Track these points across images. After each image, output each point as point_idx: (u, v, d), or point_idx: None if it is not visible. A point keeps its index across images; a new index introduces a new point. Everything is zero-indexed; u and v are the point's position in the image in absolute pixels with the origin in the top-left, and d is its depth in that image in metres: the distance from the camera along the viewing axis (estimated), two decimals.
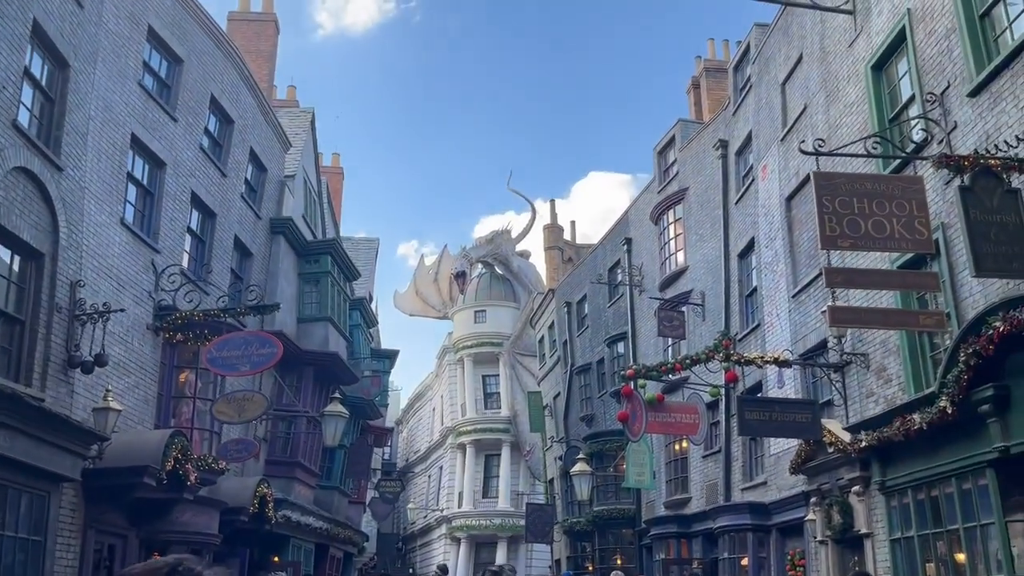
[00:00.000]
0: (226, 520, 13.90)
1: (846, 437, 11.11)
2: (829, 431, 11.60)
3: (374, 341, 29.43)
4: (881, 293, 11.12)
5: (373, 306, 29.68)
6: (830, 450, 11.88)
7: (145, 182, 13.34)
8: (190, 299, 13.34)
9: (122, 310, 11.30)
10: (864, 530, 11.17)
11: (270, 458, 18.23)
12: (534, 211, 39.51)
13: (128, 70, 12.71)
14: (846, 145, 10.78)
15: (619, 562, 22.03)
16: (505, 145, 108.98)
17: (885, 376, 11.10)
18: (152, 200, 13.46)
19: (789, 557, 13.68)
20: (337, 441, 16.87)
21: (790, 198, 14.69)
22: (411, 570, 37.63)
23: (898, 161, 10.52)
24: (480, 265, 38.92)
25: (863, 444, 10.52)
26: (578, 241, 39.61)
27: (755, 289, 16.45)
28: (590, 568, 23.28)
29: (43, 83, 10.71)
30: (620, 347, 23.62)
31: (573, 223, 41.12)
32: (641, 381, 13.99)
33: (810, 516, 12.72)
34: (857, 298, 11.46)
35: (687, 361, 13.56)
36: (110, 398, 10.54)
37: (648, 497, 20.98)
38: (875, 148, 10.06)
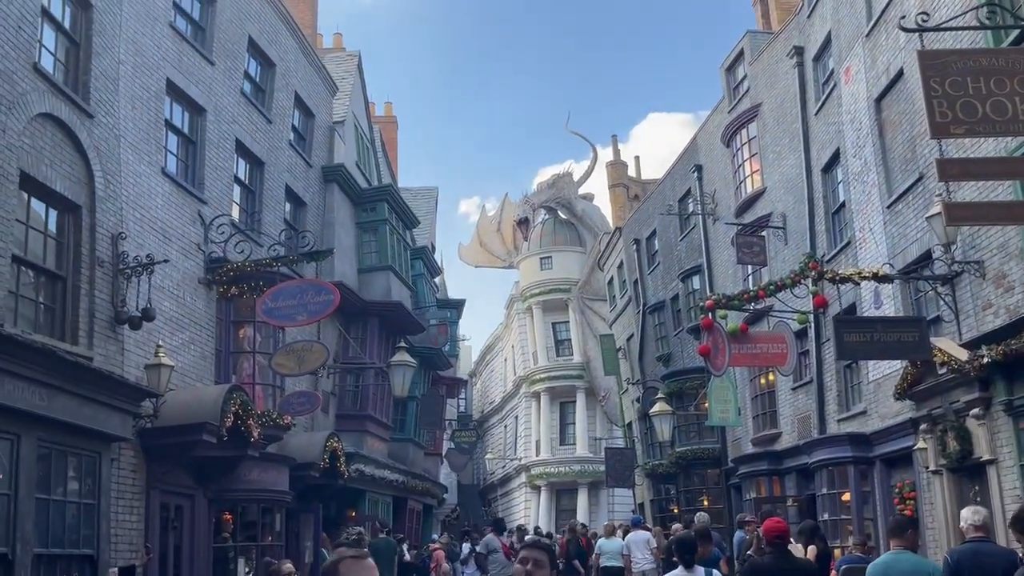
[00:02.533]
0: (297, 476, 13.49)
1: (962, 355, 9.90)
2: (941, 350, 10.40)
3: (439, 291, 28.85)
4: (994, 190, 9.81)
5: (437, 257, 29.04)
6: (942, 371, 10.70)
7: (185, 130, 12.72)
8: (241, 250, 12.77)
9: (166, 261, 10.74)
10: (986, 456, 10.01)
11: (340, 412, 17.83)
12: (595, 152, 38.15)
13: (157, 11, 12.00)
14: (950, 20, 9.39)
15: (705, 503, 21.16)
16: (560, 94, 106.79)
17: (1006, 284, 9.82)
18: (194, 149, 12.84)
19: (897, 489, 12.57)
20: (406, 392, 16.31)
21: (880, 99, 13.25)
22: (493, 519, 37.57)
23: (1015, 34, 9.11)
24: (543, 210, 37.87)
25: (984, 361, 9.33)
26: (643, 178, 38.18)
27: (843, 204, 15.09)
28: (675, 511, 22.47)
29: (65, 25, 10.08)
30: (695, 281, 22.43)
31: (637, 159, 39.51)
32: (722, 312, 12.91)
33: (920, 445, 11.58)
34: (967, 197, 10.15)
35: (771, 287, 12.45)
36: (162, 354, 10.03)
37: (734, 435, 19.97)
38: (988, 20, 8.68)
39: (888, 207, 12.91)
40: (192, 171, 12.72)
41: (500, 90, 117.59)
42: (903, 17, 10.07)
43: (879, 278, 11.33)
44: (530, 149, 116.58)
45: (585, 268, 35.23)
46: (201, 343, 12.18)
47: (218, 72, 13.50)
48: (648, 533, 14.42)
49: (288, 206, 16.19)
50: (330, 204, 17.88)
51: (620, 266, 29.19)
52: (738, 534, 12.37)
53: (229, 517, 12.32)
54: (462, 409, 41.27)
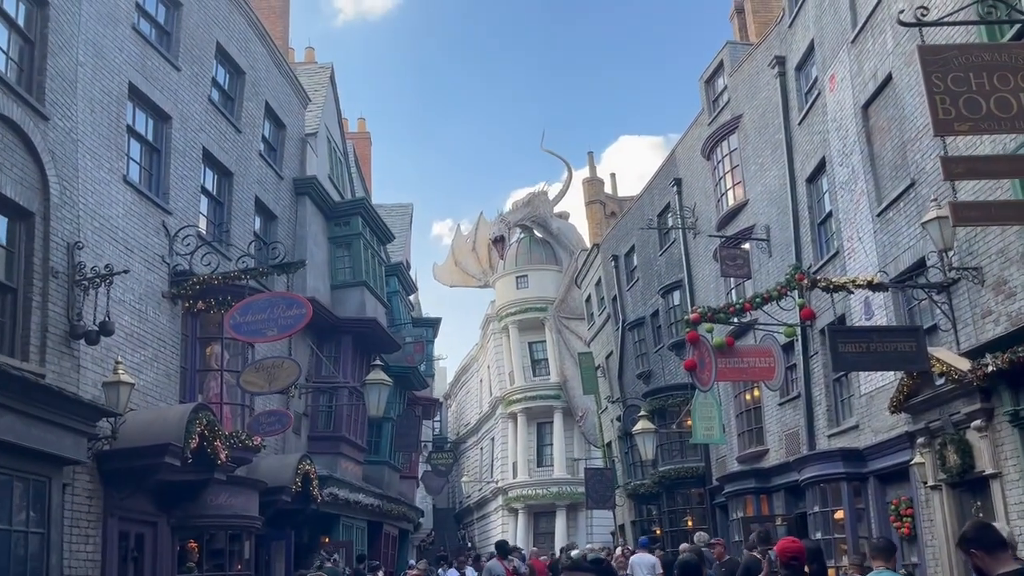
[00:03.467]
0: (267, 501, 12.80)
1: (964, 364, 9.53)
2: (939, 359, 10.04)
3: (415, 310, 28.22)
4: (992, 192, 9.49)
5: (411, 275, 28.45)
6: (940, 381, 10.34)
7: (149, 137, 12.12)
8: (208, 263, 12.15)
9: (126, 271, 10.11)
10: (989, 470, 9.62)
11: (312, 433, 17.15)
12: (570, 170, 37.83)
13: (119, 13, 11.44)
14: (944, 18, 9.12)
15: (689, 524, 20.65)
16: (531, 118, 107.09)
17: (1006, 290, 9.48)
18: (159, 157, 12.24)
19: (893, 506, 12.16)
20: (381, 411, 15.69)
21: (867, 105, 12.98)
22: (469, 544, 36.72)
23: (1014, 29, 8.84)
24: (518, 229, 37.49)
25: (988, 370, 8.96)
26: (619, 195, 37.87)
27: (829, 214, 14.78)
28: (658, 532, 21.94)
29: (19, 22, 9.49)
30: (675, 297, 22.04)
31: (613, 175, 39.00)
32: (707, 326, 12.51)
33: (917, 459, 11.18)
34: (962, 200, 9.82)
35: (757, 300, 12.10)
36: (121, 371, 9.38)
37: (719, 453, 19.52)
38: (990, 14, 8.41)
39: (878, 215, 12.60)
40: (156, 180, 12.11)
41: (472, 113, 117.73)
42: (902, 11, 9.78)
43: (873, 286, 10.99)
44: (503, 171, 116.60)
45: (561, 287, 34.82)
46: (165, 360, 11.51)
47: (184, 78, 12.94)
48: (655, 557, 13.72)
49: (258, 219, 15.59)
50: (302, 217, 17.30)
51: (598, 283, 28.79)
52: (745, 555, 11.77)
53: (195, 545, 11.61)
54: (437, 431, 40.53)
